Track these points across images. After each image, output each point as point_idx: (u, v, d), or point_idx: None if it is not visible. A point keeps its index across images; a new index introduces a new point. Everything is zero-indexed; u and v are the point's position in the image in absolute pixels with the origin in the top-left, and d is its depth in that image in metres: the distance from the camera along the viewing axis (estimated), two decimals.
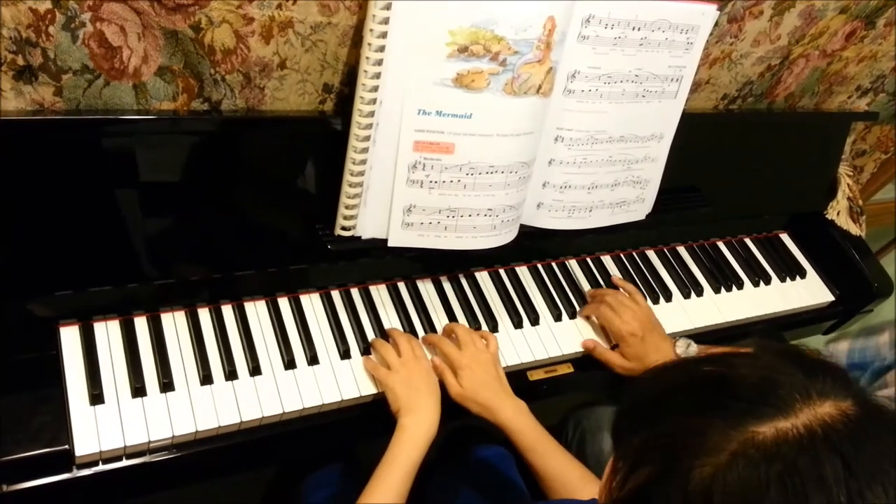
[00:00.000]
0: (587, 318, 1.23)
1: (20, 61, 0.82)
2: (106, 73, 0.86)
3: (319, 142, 1.02)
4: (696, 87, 1.27)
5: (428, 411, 0.97)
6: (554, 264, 1.31)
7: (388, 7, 0.88)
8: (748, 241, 1.52)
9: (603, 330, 1.21)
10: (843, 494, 0.49)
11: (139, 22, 0.83)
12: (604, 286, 1.30)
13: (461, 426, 1.30)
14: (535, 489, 1.05)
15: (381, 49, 0.90)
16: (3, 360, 0.90)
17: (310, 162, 1.02)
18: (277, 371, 1.02)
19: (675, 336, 1.19)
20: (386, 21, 0.89)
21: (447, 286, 1.20)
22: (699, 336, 1.32)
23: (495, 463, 1.20)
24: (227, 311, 1.05)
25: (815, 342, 1.69)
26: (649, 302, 1.31)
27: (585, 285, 1.29)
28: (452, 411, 1.01)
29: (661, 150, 1.21)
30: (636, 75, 1.08)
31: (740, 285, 1.42)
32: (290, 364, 1.03)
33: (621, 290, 1.26)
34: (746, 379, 0.57)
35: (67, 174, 0.88)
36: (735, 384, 0.57)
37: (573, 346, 1.19)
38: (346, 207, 1.02)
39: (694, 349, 1.14)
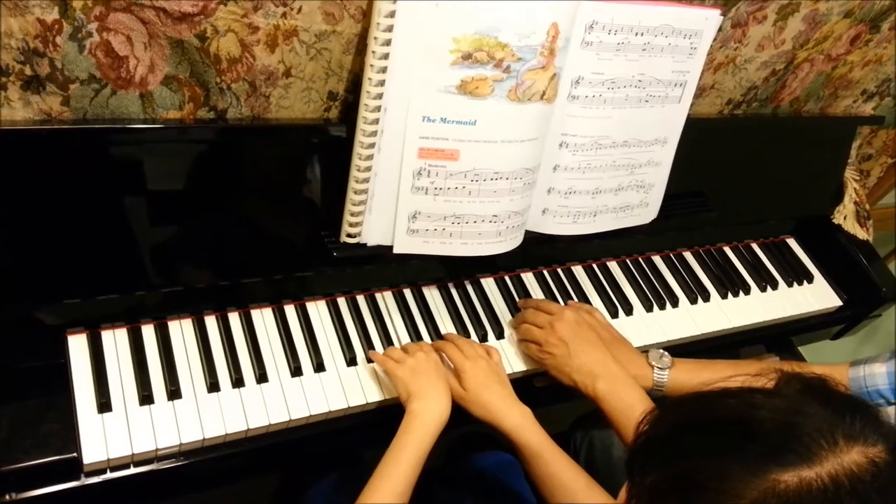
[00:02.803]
0: None
1: (28, 71, 0.82)
2: (113, 82, 0.87)
3: (324, 149, 1.02)
4: (700, 92, 1.27)
5: (438, 398, 0.96)
6: (560, 270, 1.31)
7: (391, 15, 0.88)
8: (755, 247, 1.51)
9: None
10: None
11: (145, 31, 0.84)
12: (610, 292, 1.30)
13: (466, 433, 1.30)
14: (541, 497, 1.05)
15: (385, 56, 0.91)
16: (12, 368, 0.90)
17: (315, 169, 1.02)
18: (284, 378, 1.02)
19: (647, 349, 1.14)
20: (390, 29, 0.89)
21: (453, 293, 1.20)
22: (707, 342, 1.33)
23: (501, 470, 1.19)
24: (234, 319, 1.06)
25: (823, 346, 1.68)
26: (656, 308, 1.31)
27: (591, 291, 1.29)
28: (457, 418, 1.01)
29: (666, 155, 1.21)
30: (640, 80, 1.08)
31: (747, 291, 1.41)
32: (296, 371, 1.03)
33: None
34: (768, 421, 0.54)
35: (75, 183, 0.89)
36: (756, 426, 0.54)
37: None
38: (352, 214, 1.02)
39: (667, 359, 1.10)
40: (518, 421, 0.99)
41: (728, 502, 0.51)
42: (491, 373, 1.03)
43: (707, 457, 0.54)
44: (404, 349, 1.05)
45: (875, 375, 1.03)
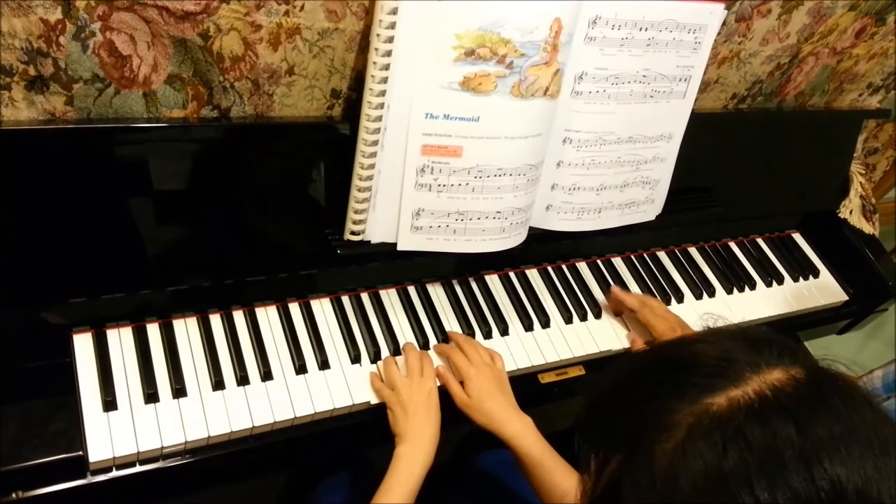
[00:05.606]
0: (599, 319, 1.23)
1: (32, 71, 0.82)
2: (116, 81, 0.87)
3: (328, 147, 1.02)
4: (704, 86, 1.27)
5: (424, 439, 0.97)
6: (564, 266, 1.31)
7: (394, 12, 0.88)
8: (760, 241, 1.51)
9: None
10: (795, 455, 0.50)
11: (148, 31, 0.84)
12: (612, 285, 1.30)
13: (469, 432, 1.29)
14: None
15: (388, 54, 0.91)
16: (19, 367, 0.91)
17: (319, 167, 1.02)
18: (289, 376, 1.02)
19: None
20: (392, 26, 0.89)
21: (458, 290, 1.20)
22: None
23: (506, 469, 1.19)
24: (239, 317, 1.06)
25: (830, 341, 1.68)
26: None
27: (596, 288, 1.29)
28: (460, 419, 1.01)
29: (670, 151, 1.20)
30: (644, 76, 1.08)
31: (753, 286, 1.41)
32: (301, 369, 1.03)
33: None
34: (702, 357, 0.58)
35: (79, 182, 0.89)
36: (692, 364, 0.58)
37: (584, 349, 1.19)
38: (355, 212, 1.02)
39: None
40: (519, 430, 0.99)
41: (669, 431, 0.54)
42: (494, 380, 1.04)
43: (651, 399, 0.57)
44: (406, 356, 1.06)
45: (875, 378, 1.05)
